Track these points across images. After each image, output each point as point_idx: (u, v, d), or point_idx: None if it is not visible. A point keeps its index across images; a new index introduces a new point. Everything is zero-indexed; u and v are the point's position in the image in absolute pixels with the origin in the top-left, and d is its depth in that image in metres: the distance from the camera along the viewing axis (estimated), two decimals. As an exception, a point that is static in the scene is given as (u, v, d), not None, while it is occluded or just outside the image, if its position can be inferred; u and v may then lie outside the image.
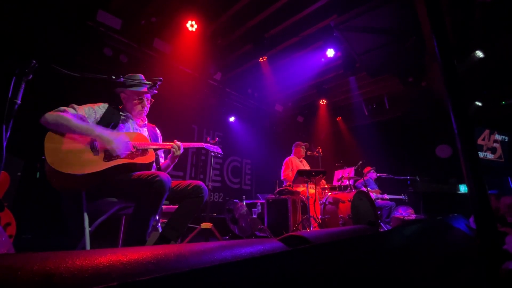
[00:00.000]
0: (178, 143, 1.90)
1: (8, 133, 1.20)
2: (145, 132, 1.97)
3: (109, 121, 1.76)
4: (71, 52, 3.60)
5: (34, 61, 1.29)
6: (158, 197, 1.48)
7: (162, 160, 2.07)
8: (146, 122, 2.02)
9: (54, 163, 1.40)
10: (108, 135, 1.57)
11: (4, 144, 1.17)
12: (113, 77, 1.64)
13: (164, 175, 1.52)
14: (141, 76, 1.90)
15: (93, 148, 1.56)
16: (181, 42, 4.12)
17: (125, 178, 1.58)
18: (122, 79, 1.65)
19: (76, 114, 1.64)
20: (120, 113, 1.86)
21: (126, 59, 4.09)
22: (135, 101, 1.88)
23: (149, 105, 1.96)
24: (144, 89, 1.88)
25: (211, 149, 2.17)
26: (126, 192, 1.61)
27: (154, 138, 1.99)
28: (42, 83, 2.41)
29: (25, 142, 2.69)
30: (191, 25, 3.86)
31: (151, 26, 3.88)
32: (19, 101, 1.25)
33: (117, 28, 3.74)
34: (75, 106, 1.69)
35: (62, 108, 1.61)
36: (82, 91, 2.98)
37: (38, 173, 1.50)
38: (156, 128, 2.12)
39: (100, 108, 1.78)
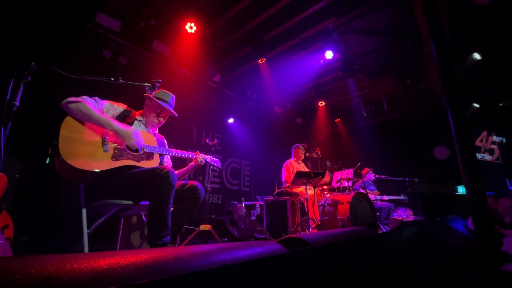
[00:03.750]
0: (202, 155, 2.09)
1: (6, 135, 1.20)
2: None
3: (124, 119, 1.85)
4: (70, 53, 3.59)
5: (33, 63, 1.29)
6: (170, 187, 1.54)
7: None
8: (156, 132, 2.09)
9: (66, 154, 1.43)
10: (125, 128, 1.64)
11: (2, 146, 1.17)
12: (112, 78, 1.64)
13: (168, 167, 1.61)
14: (173, 97, 2.07)
15: (104, 144, 1.61)
16: (180, 44, 4.13)
17: (125, 175, 1.63)
18: (121, 81, 1.66)
19: (97, 107, 1.71)
20: (136, 117, 1.96)
21: (125, 61, 4.08)
22: (154, 113, 1.98)
23: (163, 122, 2.06)
24: (169, 108, 2.00)
25: (212, 162, 2.21)
26: (126, 187, 1.63)
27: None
28: (41, 85, 2.41)
29: (23, 144, 2.68)
30: (190, 27, 3.86)
31: (150, 28, 3.88)
32: (17, 103, 1.25)
33: (116, 30, 3.74)
34: (97, 98, 1.77)
35: (85, 96, 1.68)
36: (81, 93, 2.98)
37: (48, 159, 1.50)
38: (164, 139, 2.19)
39: (119, 107, 1.88)
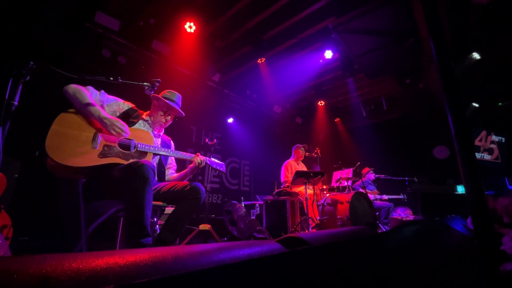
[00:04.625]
0: (202, 157, 1.98)
1: (5, 134, 1.19)
2: (157, 141, 1.99)
3: (128, 118, 1.83)
4: (69, 53, 3.59)
5: (31, 62, 1.28)
6: (143, 181, 1.43)
7: (170, 172, 2.09)
8: (162, 133, 2.07)
9: (49, 147, 1.42)
10: (106, 116, 1.59)
11: (1, 145, 1.17)
12: (111, 78, 1.64)
13: (144, 160, 1.54)
14: (179, 96, 2.06)
15: (94, 140, 1.58)
16: (179, 44, 4.12)
17: (111, 173, 1.58)
18: (120, 80, 1.66)
19: (95, 98, 1.70)
20: (143, 116, 1.94)
21: (125, 61, 4.08)
22: (161, 111, 1.97)
23: (170, 122, 2.04)
24: (176, 107, 1.98)
25: (214, 165, 2.10)
26: (113, 186, 1.58)
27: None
28: (40, 84, 2.40)
29: (23, 144, 2.67)
30: (190, 27, 3.85)
31: (149, 28, 3.87)
32: (16, 103, 1.24)
33: (115, 29, 3.73)
34: (103, 92, 1.77)
35: (89, 86, 1.70)
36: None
37: (37, 152, 1.51)
38: (171, 141, 2.16)
39: (125, 104, 1.86)
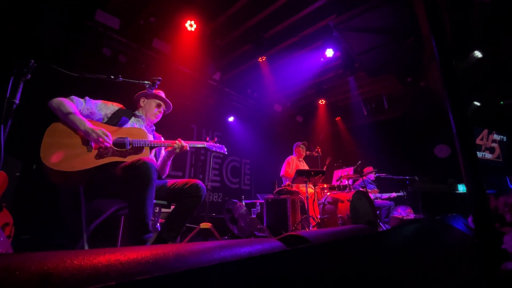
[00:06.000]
0: (181, 142, 1.91)
1: (7, 133, 1.20)
2: (151, 137, 1.99)
3: (119, 118, 1.82)
4: (69, 52, 3.59)
5: (32, 61, 1.29)
6: (145, 180, 1.44)
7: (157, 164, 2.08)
8: (153, 129, 2.08)
9: (45, 158, 1.42)
10: (89, 126, 1.57)
11: (2, 144, 1.17)
12: (112, 77, 1.64)
13: (146, 158, 1.52)
14: (162, 94, 2.10)
15: (87, 143, 1.59)
16: (180, 42, 4.12)
17: (112, 172, 1.59)
18: (120, 79, 1.66)
19: (82, 107, 1.69)
20: (134, 114, 1.95)
21: (125, 59, 4.08)
22: (153, 105, 2.01)
23: (161, 116, 2.07)
24: (166, 99, 2.06)
25: (213, 148, 2.10)
26: (116, 185, 1.59)
27: (157, 148, 2.02)
28: (41, 83, 2.40)
29: (24, 142, 2.68)
30: (190, 25, 3.85)
31: (150, 26, 3.87)
32: (17, 101, 1.25)
33: (115, 28, 3.73)
34: (87, 98, 1.75)
35: (73, 96, 1.69)
36: (80, 91, 2.97)
37: (34, 165, 1.52)
38: (162, 138, 2.16)
39: (113, 106, 1.85)
